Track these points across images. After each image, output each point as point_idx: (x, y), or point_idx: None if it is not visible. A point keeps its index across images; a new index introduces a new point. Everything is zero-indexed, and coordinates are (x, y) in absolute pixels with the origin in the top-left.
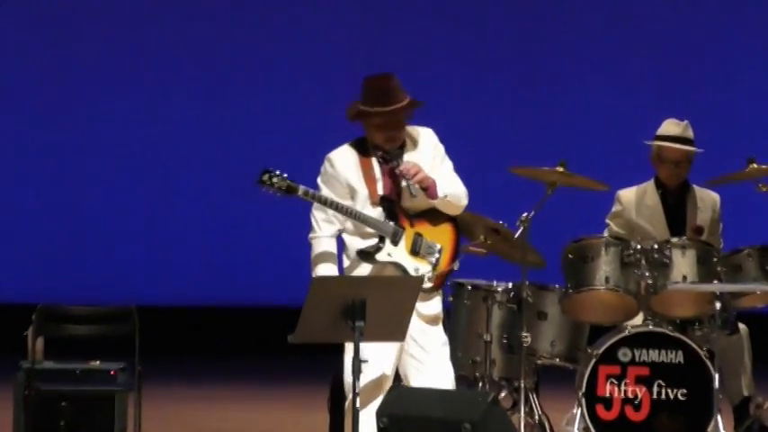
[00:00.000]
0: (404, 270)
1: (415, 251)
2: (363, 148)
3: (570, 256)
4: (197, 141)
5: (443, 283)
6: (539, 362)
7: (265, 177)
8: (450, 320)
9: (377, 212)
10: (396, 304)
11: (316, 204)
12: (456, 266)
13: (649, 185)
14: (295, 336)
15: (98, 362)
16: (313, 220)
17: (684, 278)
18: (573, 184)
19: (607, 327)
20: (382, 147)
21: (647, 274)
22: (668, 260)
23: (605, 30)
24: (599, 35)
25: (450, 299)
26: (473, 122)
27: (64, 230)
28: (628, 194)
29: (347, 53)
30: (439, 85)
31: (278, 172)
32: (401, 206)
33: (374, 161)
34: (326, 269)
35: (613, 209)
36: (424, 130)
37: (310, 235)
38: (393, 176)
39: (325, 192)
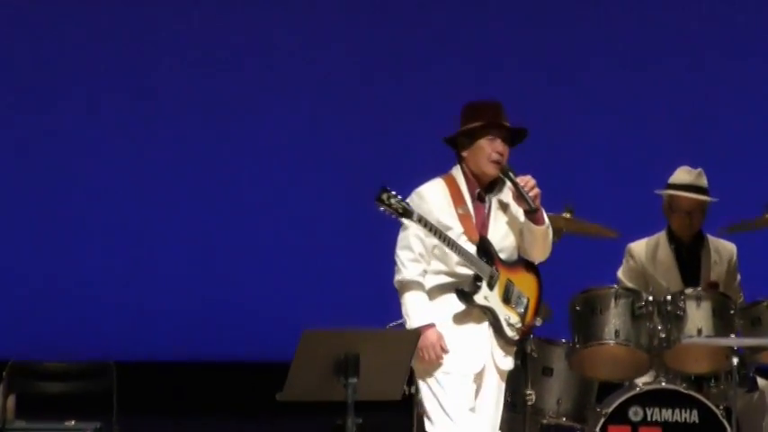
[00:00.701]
0: (495, 318)
1: (506, 299)
2: (455, 183)
3: (577, 307)
4: (176, 190)
5: (525, 337)
6: (544, 421)
7: (384, 197)
8: None
9: (471, 252)
10: (391, 360)
11: (402, 243)
12: (538, 322)
13: (662, 237)
14: (284, 393)
15: (73, 421)
16: (399, 262)
17: (699, 332)
18: (581, 230)
19: (617, 383)
20: (486, 173)
21: (659, 327)
22: (682, 312)
23: (613, 69)
24: (606, 74)
25: None
26: None
27: (34, 280)
28: (639, 248)
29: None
30: (436, 128)
31: (394, 193)
32: (495, 248)
33: (467, 196)
34: (421, 315)
35: (624, 263)
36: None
37: (397, 278)
38: (488, 215)
39: (412, 230)
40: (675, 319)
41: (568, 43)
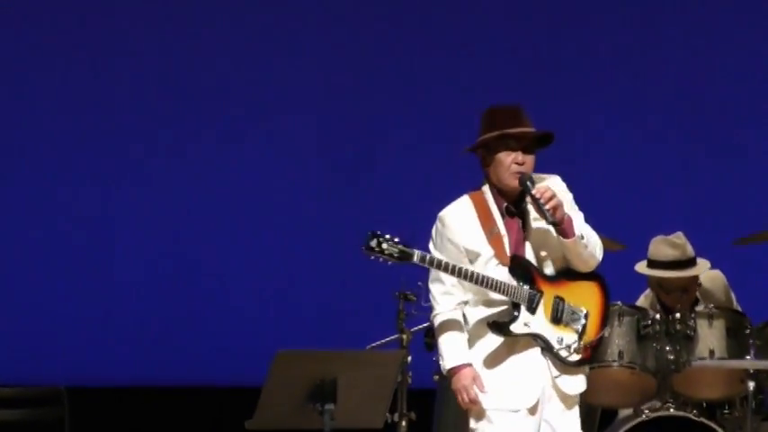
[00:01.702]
0: (545, 342)
1: (556, 318)
2: (484, 201)
3: None
4: (136, 205)
5: (592, 354)
6: None
7: (373, 243)
8: (437, 403)
9: (504, 275)
10: (372, 384)
11: (432, 276)
12: (607, 333)
13: (652, 308)
14: (254, 421)
15: None
16: (431, 296)
17: (712, 353)
18: None
19: (622, 410)
20: (509, 186)
21: (667, 348)
22: (692, 332)
23: (619, 70)
24: (613, 75)
25: (436, 377)
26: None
27: None
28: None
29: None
30: (441, 138)
31: (388, 236)
32: (534, 265)
33: (496, 214)
34: (455, 354)
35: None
36: (554, 178)
37: (432, 314)
38: (520, 231)
39: (444, 258)
40: (685, 339)
41: (582, 51)
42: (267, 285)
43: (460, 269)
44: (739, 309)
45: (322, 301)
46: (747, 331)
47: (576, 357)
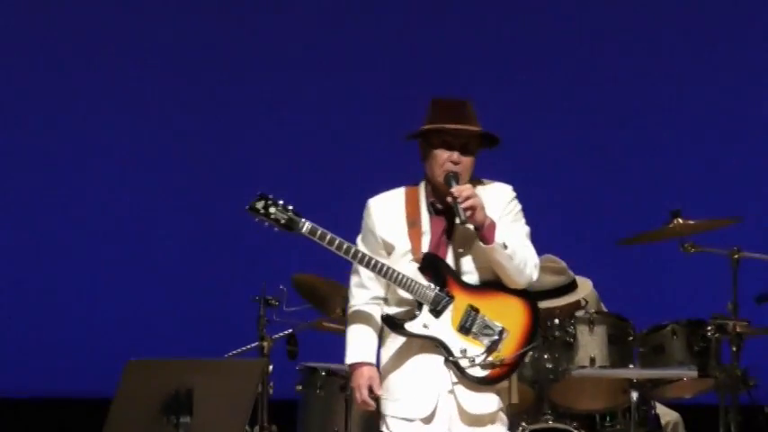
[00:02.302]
0: (446, 349)
1: (464, 328)
2: (414, 194)
3: None
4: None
5: (504, 375)
6: None
7: (259, 205)
8: (298, 415)
9: (416, 272)
10: (231, 395)
11: (352, 267)
12: (526, 358)
13: None
14: None
15: None
16: (349, 288)
17: (593, 361)
18: (699, 230)
19: None
20: (438, 182)
21: (545, 356)
22: (572, 339)
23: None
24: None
25: (299, 387)
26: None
27: None
28: None
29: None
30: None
31: (281, 201)
32: (451, 267)
33: (423, 209)
34: (356, 350)
35: None
36: (501, 186)
37: (348, 306)
38: (445, 231)
39: (362, 250)
40: (564, 346)
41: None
42: (117, 289)
43: (357, 252)
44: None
45: (177, 306)
46: (631, 338)
47: (479, 372)
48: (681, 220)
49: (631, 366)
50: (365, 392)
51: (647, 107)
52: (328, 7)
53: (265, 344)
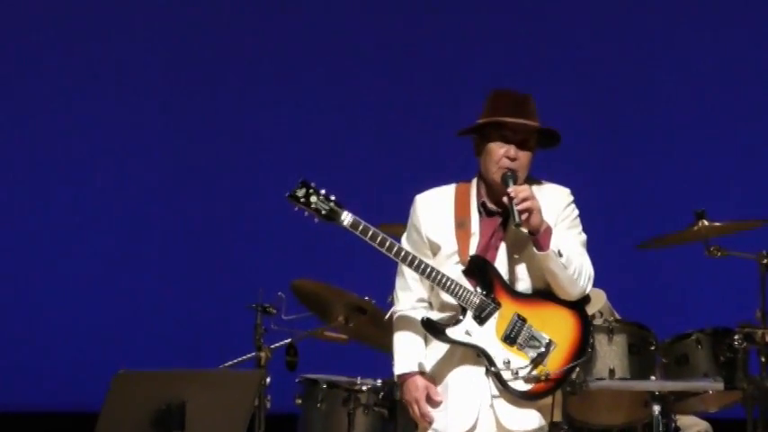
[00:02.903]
0: (488, 359)
1: (509, 338)
2: (465, 192)
3: None
4: None
5: (548, 391)
6: None
7: (300, 193)
8: (297, 430)
9: (462, 276)
10: (226, 408)
11: (398, 269)
12: (575, 374)
13: None
14: None
15: None
16: (394, 291)
17: (612, 373)
18: (725, 232)
19: None
20: (494, 181)
21: None
22: (590, 349)
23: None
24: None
25: (299, 401)
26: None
27: None
28: None
29: None
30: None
31: (323, 191)
32: (499, 273)
33: (474, 209)
34: (405, 360)
35: None
36: (558, 189)
37: (392, 311)
38: (496, 234)
39: (406, 248)
40: None
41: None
42: (105, 297)
43: (400, 250)
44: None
45: (168, 314)
46: (652, 348)
47: (522, 386)
48: (706, 222)
49: (653, 378)
50: (424, 406)
51: (670, 102)
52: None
53: (263, 354)
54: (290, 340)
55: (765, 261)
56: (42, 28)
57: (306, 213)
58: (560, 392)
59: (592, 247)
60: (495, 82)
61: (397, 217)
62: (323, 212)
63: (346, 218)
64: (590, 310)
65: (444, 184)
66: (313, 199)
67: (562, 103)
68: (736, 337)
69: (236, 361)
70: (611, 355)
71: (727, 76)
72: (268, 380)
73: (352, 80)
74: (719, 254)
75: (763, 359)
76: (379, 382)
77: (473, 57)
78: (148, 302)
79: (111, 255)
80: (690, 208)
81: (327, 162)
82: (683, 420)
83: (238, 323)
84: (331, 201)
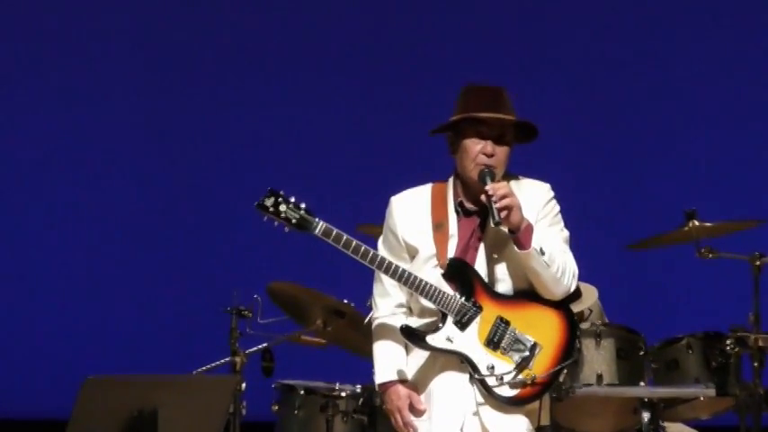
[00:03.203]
0: (472, 365)
1: (492, 342)
2: (442, 192)
3: None
4: None
5: (535, 395)
6: None
7: (268, 203)
8: None
9: (441, 280)
10: (199, 415)
11: (375, 275)
12: (561, 377)
13: None
14: None
15: None
16: (372, 298)
17: (600, 378)
18: (717, 233)
19: None
20: (471, 179)
21: None
22: (576, 353)
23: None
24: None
25: (275, 407)
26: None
27: None
28: None
29: None
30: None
31: (292, 199)
32: (479, 275)
33: (451, 210)
34: (386, 368)
35: None
36: (538, 184)
37: (372, 318)
38: (475, 234)
39: (383, 253)
40: None
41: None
42: (73, 300)
43: (375, 256)
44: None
45: (139, 318)
46: (642, 353)
47: (508, 392)
48: (697, 222)
49: (642, 384)
50: (407, 415)
51: (660, 99)
52: None
53: (238, 359)
54: (266, 345)
55: (758, 263)
56: (20, 24)
57: (275, 223)
58: (547, 396)
59: (580, 248)
60: (481, 80)
61: (374, 218)
62: (293, 221)
63: (318, 226)
64: (581, 306)
65: (421, 183)
66: (282, 208)
67: (553, 102)
68: (728, 341)
69: (210, 366)
70: (598, 359)
71: (721, 76)
72: (243, 385)
73: (329, 81)
74: (711, 255)
75: (755, 364)
76: (358, 387)
77: (455, 54)
78: (119, 306)
79: (79, 255)
80: (680, 207)
81: (304, 163)
82: (672, 428)
83: (213, 327)
84: (301, 209)
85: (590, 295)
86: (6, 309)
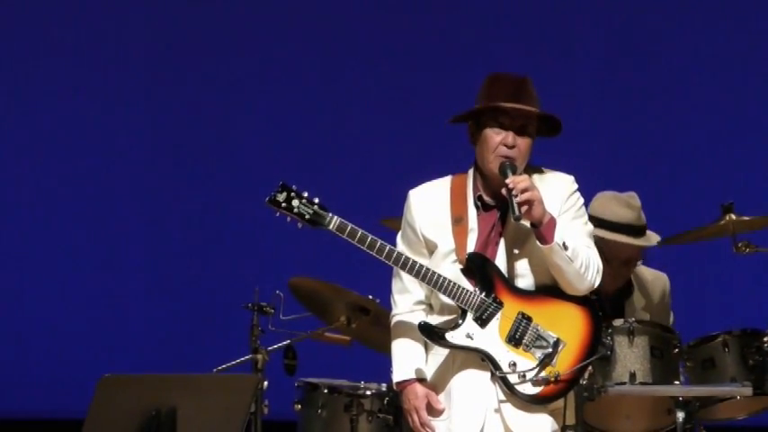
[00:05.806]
0: (493, 362)
1: (513, 338)
2: (461, 185)
3: None
4: None
5: (559, 393)
6: None
7: (281, 197)
8: None
9: (459, 276)
10: (219, 415)
11: (394, 271)
12: (587, 375)
13: None
14: None
15: None
16: (391, 295)
17: (633, 377)
18: (754, 227)
19: None
20: (491, 171)
21: None
22: (609, 351)
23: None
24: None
25: (298, 407)
26: None
27: None
28: None
29: None
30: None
31: (305, 194)
32: (500, 270)
33: (471, 203)
34: (404, 366)
35: None
36: (561, 176)
37: (390, 316)
38: (495, 228)
39: (402, 248)
40: (600, 360)
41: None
42: (90, 296)
43: (391, 252)
44: (669, 323)
45: (158, 315)
46: (676, 350)
47: (530, 390)
48: (734, 216)
49: (677, 383)
50: (424, 415)
51: (694, 88)
52: None
53: (259, 357)
54: (288, 342)
55: None
56: (23, 24)
57: (288, 219)
58: (572, 393)
59: None
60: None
61: (398, 211)
62: (306, 217)
63: (332, 221)
64: (646, 242)
65: (439, 176)
66: (295, 203)
67: (583, 95)
68: (765, 338)
69: (231, 364)
70: (631, 358)
71: (756, 65)
72: (265, 384)
73: (344, 72)
74: (748, 250)
75: None
76: (383, 386)
77: (479, 44)
78: (138, 303)
79: (96, 250)
80: (716, 201)
81: (322, 155)
82: None
83: (233, 324)
84: (315, 204)
85: (653, 239)
86: (23, 306)
